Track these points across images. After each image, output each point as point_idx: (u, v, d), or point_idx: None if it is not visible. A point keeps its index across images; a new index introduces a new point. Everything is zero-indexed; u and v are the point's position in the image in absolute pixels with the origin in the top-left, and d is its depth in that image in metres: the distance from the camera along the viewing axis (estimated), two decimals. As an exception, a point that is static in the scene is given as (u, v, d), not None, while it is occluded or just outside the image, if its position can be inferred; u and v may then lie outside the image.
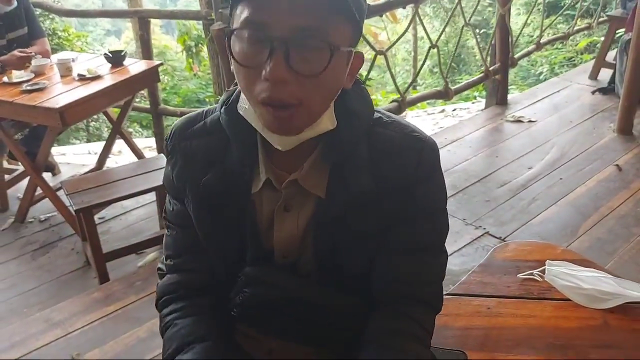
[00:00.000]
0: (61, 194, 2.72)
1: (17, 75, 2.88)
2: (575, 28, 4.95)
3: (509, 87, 9.25)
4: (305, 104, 0.75)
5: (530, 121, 3.89)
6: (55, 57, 3.18)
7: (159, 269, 1.01)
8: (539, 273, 1.17)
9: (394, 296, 0.89)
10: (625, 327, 1.07)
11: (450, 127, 4.06)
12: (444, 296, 1.18)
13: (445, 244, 2.71)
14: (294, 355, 0.98)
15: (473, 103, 6.58)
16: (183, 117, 0.96)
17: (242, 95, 0.83)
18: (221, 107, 0.89)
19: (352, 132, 0.85)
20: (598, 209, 2.86)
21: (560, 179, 3.16)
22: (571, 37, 5.44)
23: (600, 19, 5.03)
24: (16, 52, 2.99)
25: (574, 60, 9.30)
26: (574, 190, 3.04)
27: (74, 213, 2.50)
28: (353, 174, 0.86)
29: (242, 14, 0.75)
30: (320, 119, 0.82)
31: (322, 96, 0.78)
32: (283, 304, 0.91)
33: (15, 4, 3.02)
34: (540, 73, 10.15)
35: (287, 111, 0.75)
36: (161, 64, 3.35)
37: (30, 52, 3.02)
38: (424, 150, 0.88)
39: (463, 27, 3.73)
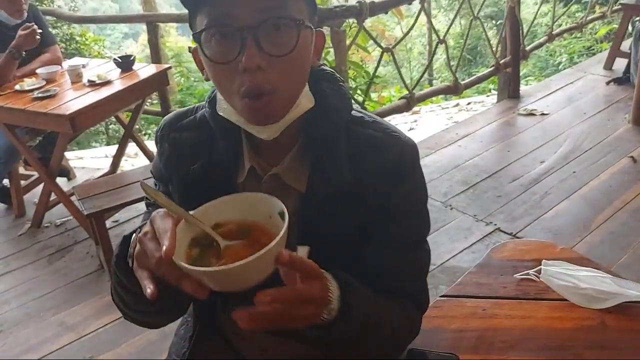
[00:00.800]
0: (75, 198, 2.76)
1: (29, 83, 2.93)
2: (589, 17, 4.85)
3: (527, 79, 9.14)
4: (281, 88, 0.77)
5: (543, 114, 3.84)
6: (66, 64, 3.23)
7: None
8: (535, 273, 1.16)
9: (379, 290, 0.90)
10: (623, 327, 1.06)
11: (461, 122, 4.02)
12: (439, 298, 1.19)
13: (456, 241, 2.70)
14: (288, 354, 0.99)
15: (488, 96, 6.51)
16: (174, 111, 0.99)
17: (219, 96, 0.87)
18: (206, 102, 0.92)
19: (331, 127, 0.87)
20: (612, 202, 2.82)
21: (574, 172, 3.12)
22: (590, 25, 5.34)
23: (615, 7, 4.93)
24: (20, 32, 2.92)
25: (593, 49, 9.13)
26: (587, 183, 3.00)
27: (85, 217, 2.54)
28: (333, 168, 0.87)
29: (204, 17, 0.76)
30: (299, 100, 0.84)
31: (296, 76, 0.81)
32: None
33: (25, 15, 3.06)
34: (559, 63, 9.98)
35: (263, 100, 0.77)
36: (170, 68, 3.38)
37: (32, 25, 2.95)
38: (404, 149, 0.90)
39: (472, 20, 3.69)
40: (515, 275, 1.18)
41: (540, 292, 1.14)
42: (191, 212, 0.74)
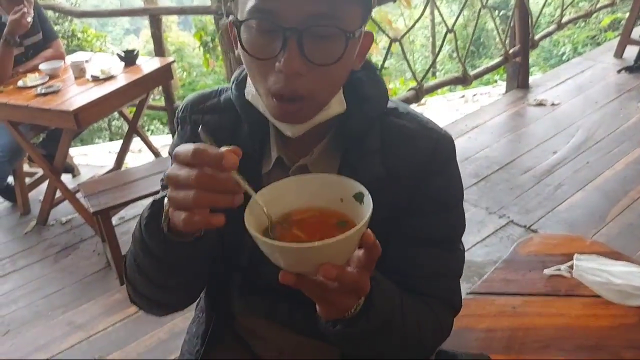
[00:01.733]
0: (80, 195, 2.72)
1: (31, 78, 2.88)
2: (598, 5, 4.78)
3: (531, 69, 9.06)
4: (315, 95, 0.74)
5: (553, 104, 3.78)
6: (69, 59, 3.17)
7: None
8: (567, 268, 1.11)
9: (408, 290, 0.84)
10: (662, 324, 1.01)
11: (471, 114, 3.96)
12: (466, 295, 1.14)
13: (469, 234, 2.63)
14: (305, 355, 0.95)
15: (494, 87, 6.44)
16: (196, 92, 0.94)
17: (249, 80, 0.82)
18: (232, 85, 0.88)
19: (363, 118, 0.84)
20: (627, 192, 2.76)
21: (587, 162, 3.06)
22: (594, 15, 5.27)
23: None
24: (10, 16, 2.82)
25: (598, 39, 9.05)
26: (602, 174, 2.94)
27: (92, 214, 2.50)
28: (364, 160, 0.84)
29: (248, 2, 0.71)
30: (329, 104, 0.80)
31: (333, 86, 0.77)
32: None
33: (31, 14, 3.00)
34: (563, 53, 9.92)
35: (295, 105, 0.74)
36: (174, 61, 3.33)
37: (20, 8, 2.82)
38: (439, 142, 0.86)
39: (480, 9, 3.62)
40: (545, 271, 1.13)
41: (572, 289, 1.10)
42: (257, 195, 0.67)
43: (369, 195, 0.67)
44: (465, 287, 1.75)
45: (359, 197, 0.69)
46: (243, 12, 0.72)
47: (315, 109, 0.78)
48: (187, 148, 0.61)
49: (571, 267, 1.11)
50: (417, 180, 0.85)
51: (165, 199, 0.69)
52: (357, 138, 0.84)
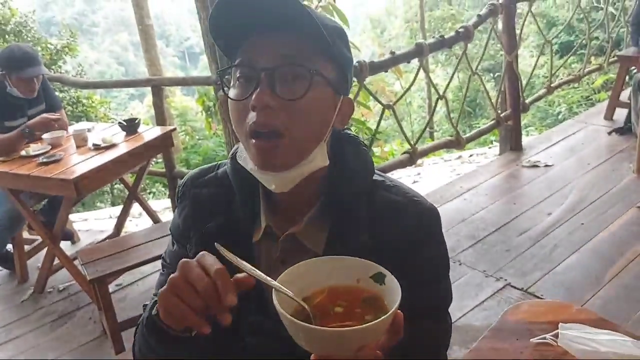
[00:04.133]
0: (78, 262, 2.73)
1: (34, 148, 2.96)
2: (587, 70, 4.93)
3: (527, 129, 9.20)
4: (289, 134, 0.79)
5: (546, 165, 3.84)
6: (71, 129, 3.27)
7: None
8: (552, 337, 1.12)
9: None
10: (649, 393, 1.01)
11: (465, 176, 4.02)
12: (454, 366, 1.14)
13: (466, 298, 2.62)
14: None
15: (490, 147, 6.55)
16: (197, 168, 1.00)
17: (241, 146, 0.88)
18: (229, 158, 0.94)
19: (352, 191, 0.88)
20: (623, 254, 2.77)
21: (582, 224, 3.08)
22: (587, 76, 5.42)
23: (611, 59, 5.02)
24: (45, 115, 3.05)
25: (591, 99, 9.25)
26: (597, 235, 2.96)
27: (88, 282, 2.50)
28: (352, 232, 0.87)
29: (237, 68, 0.83)
30: (313, 156, 0.84)
31: (306, 125, 0.81)
32: (284, 355, 0.87)
33: (36, 93, 3.12)
34: (559, 113, 10.10)
35: (271, 142, 0.79)
36: (174, 129, 3.42)
37: (58, 117, 3.08)
38: (424, 214, 0.90)
39: (470, 76, 3.75)
40: (531, 340, 1.14)
41: (560, 357, 1.10)
42: (277, 282, 0.71)
43: (391, 275, 0.71)
44: (463, 352, 1.74)
45: (378, 278, 0.72)
46: (234, 79, 0.82)
47: (293, 151, 0.81)
48: (210, 262, 0.69)
49: (556, 335, 1.12)
50: (405, 252, 0.87)
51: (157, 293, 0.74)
52: (346, 210, 0.87)
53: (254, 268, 0.70)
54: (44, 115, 3.06)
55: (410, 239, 0.88)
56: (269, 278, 0.69)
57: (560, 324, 1.13)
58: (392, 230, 0.88)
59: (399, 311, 0.67)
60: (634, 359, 1.05)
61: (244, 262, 0.70)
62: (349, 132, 0.95)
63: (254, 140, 0.80)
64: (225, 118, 3.05)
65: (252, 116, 0.79)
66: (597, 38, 5.07)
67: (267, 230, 0.89)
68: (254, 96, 0.77)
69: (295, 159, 0.82)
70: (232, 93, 0.82)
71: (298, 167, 0.82)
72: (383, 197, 0.90)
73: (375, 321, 0.64)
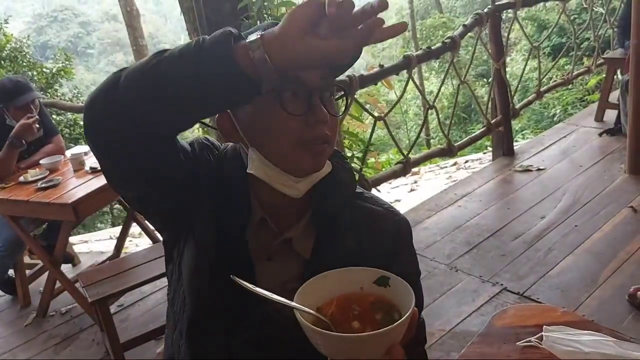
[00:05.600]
0: (79, 284, 2.76)
1: (32, 174, 3.00)
2: (575, 72, 4.99)
3: (523, 132, 9.23)
4: (331, 143, 0.90)
5: (539, 169, 3.89)
6: (68, 153, 3.31)
7: None
8: (536, 340, 1.15)
9: None
10: (631, 391, 1.04)
11: (459, 182, 4.06)
12: (443, 372, 1.17)
13: (463, 304, 2.66)
14: None
15: (484, 153, 6.59)
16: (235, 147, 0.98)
17: (252, 156, 0.90)
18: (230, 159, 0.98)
19: (339, 199, 0.98)
20: (617, 254, 2.80)
21: (575, 226, 3.12)
22: (581, 77, 5.47)
23: (599, 61, 5.08)
24: (22, 121, 2.98)
25: (585, 100, 9.31)
26: (590, 236, 3.00)
27: (90, 304, 2.53)
28: (338, 237, 0.96)
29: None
30: None
31: (336, 137, 0.93)
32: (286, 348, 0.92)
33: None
34: (554, 115, 10.15)
35: (321, 146, 0.89)
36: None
37: (33, 116, 3.03)
38: (400, 223, 1.02)
39: (459, 85, 3.80)
40: (517, 343, 1.18)
41: (546, 359, 1.13)
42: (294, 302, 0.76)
43: (395, 276, 0.78)
44: None
45: (382, 282, 0.78)
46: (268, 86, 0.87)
47: (327, 157, 0.92)
48: None
49: (541, 338, 1.15)
50: (385, 256, 0.96)
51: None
52: (332, 217, 0.96)
53: (270, 293, 0.76)
54: (22, 121, 3.00)
55: (390, 245, 0.99)
56: (285, 300, 0.75)
57: (544, 326, 1.16)
58: (374, 237, 0.98)
59: (415, 308, 0.73)
60: (617, 359, 1.08)
61: (260, 289, 0.76)
62: None
63: (308, 146, 0.87)
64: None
65: (312, 129, 0.86)
66: (587, 39, 5.12)
67: (262, 224, 0.95)
68: (316, 112, 0.86)
69: (325, 162, 0.93)
70: (284, 106, 0.85)
71: (318, 172, 0.92)
72: (363, 206, 1.01)
73: (399, 321, 0.69)
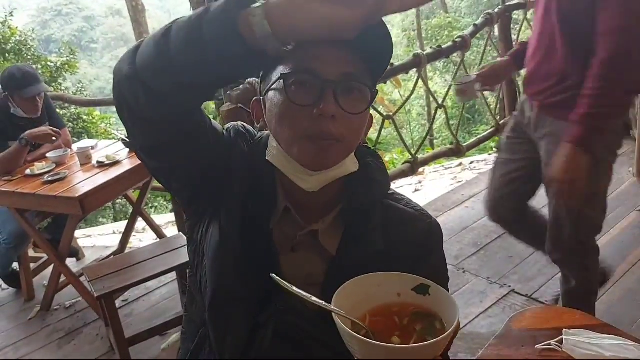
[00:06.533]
0: (84, 279, 2.75)
1: (39, 167, 2.99)
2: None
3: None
4: (343, 141, 0.85)
5: (547, 171, 3.85)
6: (75, 146, 3.29)
7: None
8: (556, 343, 1.13)
9: None
10: (653, 396, 1.02)
11: (466, 183, 4.04)
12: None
13: (471, 306, 2.63)
14: None
15: (490, 154, 6.55)
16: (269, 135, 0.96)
17: (272, 143, 0.92)
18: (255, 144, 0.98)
19: (371, 198, 0.95)
20: (625, 258, 2.78)
21: (584, 229, 3.09)
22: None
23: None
24: (43, 127, 3.09)
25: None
26: (599, 239, 2.95)
27: (95, 299, 2.52)
28: (366, 235, 0.93)
29: (288, 67, 0.84)
30: (344, 162, 0.90)
31: (356, 136, 0.89)
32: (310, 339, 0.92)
33: (40, 112, 3.16)
34: (557, 117, 10.12)
35: (328, 142, 0.84)
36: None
37: (57, 131, 3.13)
38: (432, 226, 1.00)
39: (469, 84, 3.78)
40: (536, 346, 1.16)
41: (564, 363, 1.12)
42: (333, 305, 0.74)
43: (437, 285, 0.75)
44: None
45: (421, 290, 0.76)
46: (284, 71, 0.85)
47: (340, 156, 0.88)
48: None
49: (560, 341, 1.14)
50: (414, 259, 0.94)
51: None
52: (361, 215, 0.94)
53: (309, 295, 0.74)
54: (46, 127, 3.08)
55: (420, 247, 0.97)
56: (324, 303, 0.73)
57: (564, 329, 1.15)
58: (403, 238, 0.96)
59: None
60: (638, 363, 1.07)
61: (300, 290, 0.74)
62: (367, 145, 1.02)
63: (310, 141, 0.84)
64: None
65: (315, 122, 0.83)
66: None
67: (286, 214, 0.93)
68: (321, 105, 0.81)
69: (338, 162, 0.89)
70: (288, 95, 0.84)
71: (332, 169, 0.89)
72: (395, 207, 0.99)
73: (446, 333, 0.67)
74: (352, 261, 0.90)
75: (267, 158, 0.92)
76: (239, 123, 1.00)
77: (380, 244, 0.93)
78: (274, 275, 0.76)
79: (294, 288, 0.74)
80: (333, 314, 0.72)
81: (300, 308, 0.90)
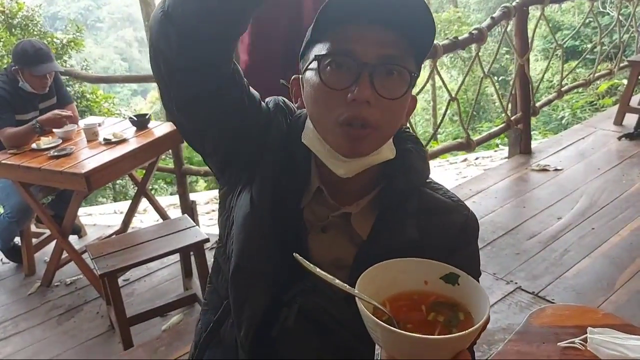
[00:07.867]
0: (86, 256, 2.73)
1: (45, 142, 2.95)
2: (597, 74, 4.92)
3: (531, 133, 9.19)
4: (379, 128, 0.82)
5: (556, 169, 3.83)
6: (82, 123, 3.25)
7: None
8: (581, 341, 1.10)
9: None
10: (680, 400, 1.00)
11: (474, 178, 4.01)
12: (481, 368, 1.13)
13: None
14: None
15: (495, 151, 6.53)
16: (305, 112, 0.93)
17: (308, 125, 0.90)
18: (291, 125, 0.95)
19: (408, 185, 0.91)
20: (634, 259, 2.76)
21: (592, 228, 3.07)
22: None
23: (622, 64, 5.00)
24: (56, 111, 3.07)
25: (595, 104, 9.25)
26: (608, 240, 2.95)
27: (98, 277, 2.49)
28: (400, 222, 0.90)
29: (325, 47, 0.83)
30: (380, 149, 0.87)
31: (394, 123, 0.85)
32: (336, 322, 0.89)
33: (47, 88, 3.13)
34: (562, 117, 10.10)
35: (364, 131, 0.81)
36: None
37: (68, 113, 3.10)
38: (468, 218, 0.96)
39: (482, 78, 3.74)
40: (558, 344, 1.13)
41: (587, 362, 1.09)
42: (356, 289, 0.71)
43: (467, 275, 0.72)
44: (477, 355, 1.71)
45: (450, 279, 0.73)
46: (321, 52, 0.83)
47: (376, 143, 0.85)
48: None
49: (585, 340, 1.11)
50: (447, 251, 0.90)
51: None
52: (397, 201, 0.91)
53: (333, 277, 0.71)
54: (56, 111, 3.06)
55: (455, 237, 0.93)
56: (348, 286, 0.71)
57: (589, 328, 1.12)
58: (438, 227, 0.92)
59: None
60: (663, 365, 1.04)
61: (324, 272, 0.71)
62: (409, 130, 0.98)
63: (345, 127, 0.81)
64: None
65: (349, 107, 0.80)
66: (602, 43, 5.07)
67: (318, 194, 0.91)
68: (355, 90, 0.79)
69: (375, 149, 0.86)
70: (324, 76, 0.82)
71: (370, 158, 0.86)
72: (432, 196, 0.95)
73: (475, 326, 0.64)
74: (382, 247, 0.86)
75: (302, 141, 0.90)
76: (280, 98, 0.97)
77: (414, 233, 0.90)
78: (296, 254, 0.73)
79: (317, 269, 0.72)
80: (356, 298, 0.68)
81: (326, 290, 0.88)
